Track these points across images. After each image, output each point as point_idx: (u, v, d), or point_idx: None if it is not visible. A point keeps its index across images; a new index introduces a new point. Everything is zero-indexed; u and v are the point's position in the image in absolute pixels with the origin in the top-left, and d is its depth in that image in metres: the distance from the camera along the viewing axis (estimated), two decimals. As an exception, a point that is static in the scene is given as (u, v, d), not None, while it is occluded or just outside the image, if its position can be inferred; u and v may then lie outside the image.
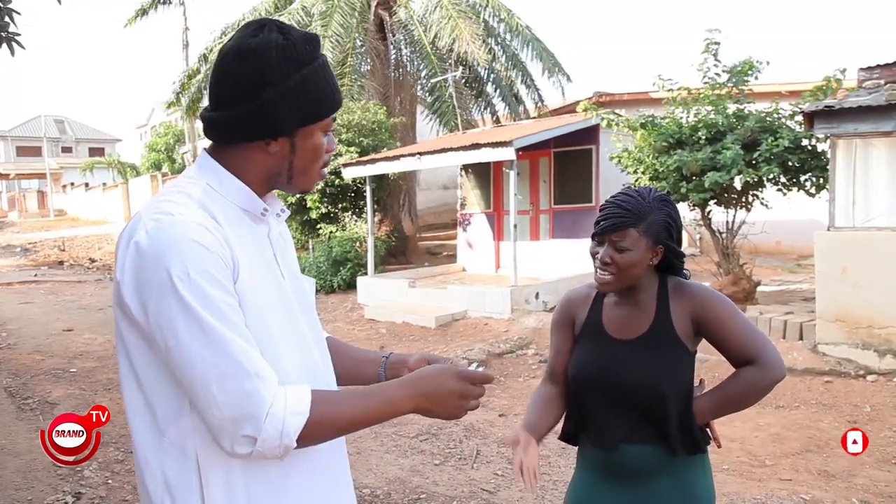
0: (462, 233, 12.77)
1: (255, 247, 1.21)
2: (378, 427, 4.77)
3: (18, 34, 4.88)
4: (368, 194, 11.43)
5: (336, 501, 1.31)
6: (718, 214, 8.38)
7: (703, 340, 1.78)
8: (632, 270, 1.68)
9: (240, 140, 1.19)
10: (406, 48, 15.00)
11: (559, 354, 1.88)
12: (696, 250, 12.65)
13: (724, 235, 8.26)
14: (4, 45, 4.86)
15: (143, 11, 15.91)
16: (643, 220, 1.67)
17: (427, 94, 14.91)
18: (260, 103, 1.14)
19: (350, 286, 11.68)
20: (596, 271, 1.74)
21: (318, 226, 13.17)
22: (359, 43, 14.10)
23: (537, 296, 9.35)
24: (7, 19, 4.85)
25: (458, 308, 9.52)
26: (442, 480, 3.86)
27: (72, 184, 36.43)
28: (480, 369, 1.34)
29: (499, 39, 15.57)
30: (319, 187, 12.38)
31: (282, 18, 13.86)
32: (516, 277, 9.35)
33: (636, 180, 8.33)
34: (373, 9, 14.52)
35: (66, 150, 46.39)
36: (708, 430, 1.78)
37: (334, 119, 1.25)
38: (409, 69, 15.30)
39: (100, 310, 11.02)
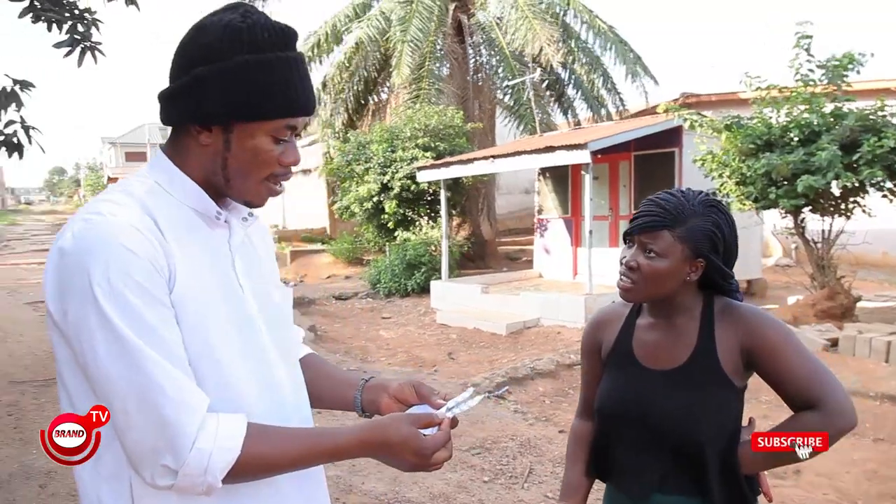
0: (539, 238, 12.47)
1: (207, 253, 1.08)
2: (430, 438, 4.61)
3: (100, 43, 5.08)
4: (443, 198, 11.36)
5: None
6: (814, 223, 7.74)
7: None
8: (659, 282, 1.43)
9: (172, 120, 1.07)
10: (485, 51, 14.86)
11: (589, 386, 1.65)
12: (791, 261, 11.80)
13: (819, 245, 7.61)
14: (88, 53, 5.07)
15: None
16: (681, 223, 1.40)
17: (506, 97, 14.71)
18: (190, 79, 1.02)
19: (424, 290, 11.65)
20: (619, 277, 1.51)
21: (395, 230, 13.23)
22: (437, 47, 14.07)
23: (613, 305, 8.94)
24: (92, 30, 5.06)
25: (531, 315, 9.26)
26: (488, 499, 3.65)
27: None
28: (476, 401, 1.14)
29: (580, 41, 15.15)
30: (395, 191, 12.43)
31: (360, 24, 14.14)
32: (591, 285, 8.99)
33: (721, 185, 7.82)
34: (451, 12, 14.46)
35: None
36: (758, 480, 1.49)
37: (293, 129, 1.07)
38: (487, 72, 15.16)
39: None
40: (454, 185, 12.42)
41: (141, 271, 0.94)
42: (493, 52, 14.57)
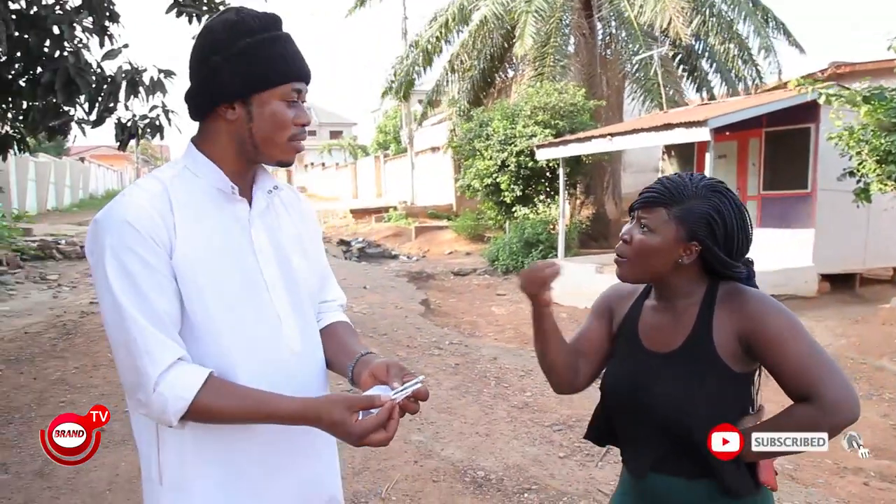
0: (661, 218, 12.05)
1: (223, 223, 1.29)
2: (516, 412, 4.75)
3: None
4: (561, 176, 11.27)
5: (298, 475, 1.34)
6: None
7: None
8: (648, 257, 1.45)
9: (202, 109, 1.29)
10: (614, 23, 14.37)
11: (586, 332, 1.63)
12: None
13: (975, 232, 6.79)
14: None
15: (361, 2, 17.17)
16: (678, 203, 1.42)
17: (635, 73, 14.19)
18: (209, 69, 1.25)
19: (540, 268, 11.67)
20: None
21: (513, 207, 13.30)
22: (563, 22, 13.83)
23: (733, 290, 8.51)
24: None
25: (644, 298, 9.02)
26: (560, 474, 3.73)
27: (311, 163, 40.75)
28: (417, 386, 1.19)
29: (714, 10, 14.21)
30: (512, 169, 12.49)
31: (486, 2, 14.13)
32: (710, 269, 8.60)
33: (859, 164, 7.17)
34: (578, -15, 14.12)
35: (311, 133, 52.11)
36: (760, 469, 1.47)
37: (298, 92, 1.27)
38: (616, 47, 14.68)
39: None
40: (575, 163, 12.25)
41: (139, 243, 1.17)
42: (621, 26, 14.08)
